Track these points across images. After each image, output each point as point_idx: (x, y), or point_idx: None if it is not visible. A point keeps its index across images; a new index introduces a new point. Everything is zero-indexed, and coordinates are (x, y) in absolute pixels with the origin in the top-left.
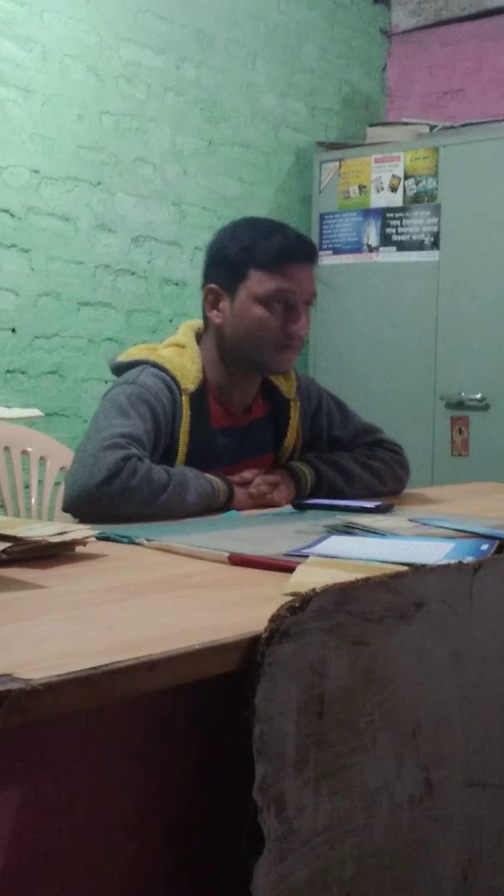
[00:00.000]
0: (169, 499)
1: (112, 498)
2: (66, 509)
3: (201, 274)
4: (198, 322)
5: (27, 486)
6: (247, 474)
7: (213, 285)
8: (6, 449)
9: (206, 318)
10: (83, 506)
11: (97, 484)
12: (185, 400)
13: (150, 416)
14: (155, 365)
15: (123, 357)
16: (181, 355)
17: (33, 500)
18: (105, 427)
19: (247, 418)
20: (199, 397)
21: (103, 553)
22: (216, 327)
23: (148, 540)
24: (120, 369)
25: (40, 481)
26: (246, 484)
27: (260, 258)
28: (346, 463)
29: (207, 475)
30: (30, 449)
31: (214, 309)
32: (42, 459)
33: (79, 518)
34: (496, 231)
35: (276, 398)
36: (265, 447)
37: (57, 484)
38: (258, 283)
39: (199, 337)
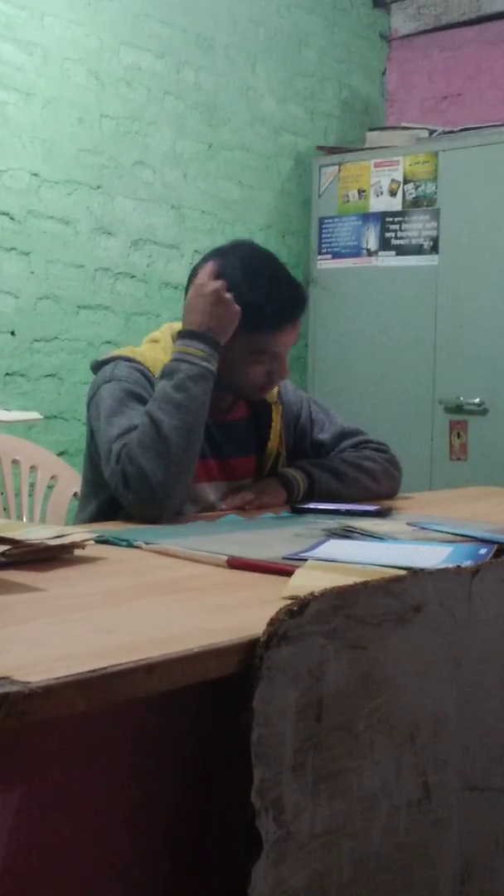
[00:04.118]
0: (175, 420)
1: (143, 491)
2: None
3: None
4: (179, 325)
5: (17, 495)
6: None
7: None
8: None
9: None
10: (149, 516)
11: (124, 497)
12: None
13: (137, 405)
14: (127, 359)
15: (103, 356)
16: (154, 349)
17: (25, 513)
18: (105, 439)
19: (227, 416)
20: None
21: (101, 556)
22: None
23: (146, 543)
24: (97, 367)
25: (32, 484)
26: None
27: (264, 323)
28: (339, 465)
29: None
30: (20, 458)
31: None
32: (33, 468)
33: (158, 518)
34: (495, 236)
35: (258, 401)
36: (248, 448)
37: (50, 487)
38: (256, 341)
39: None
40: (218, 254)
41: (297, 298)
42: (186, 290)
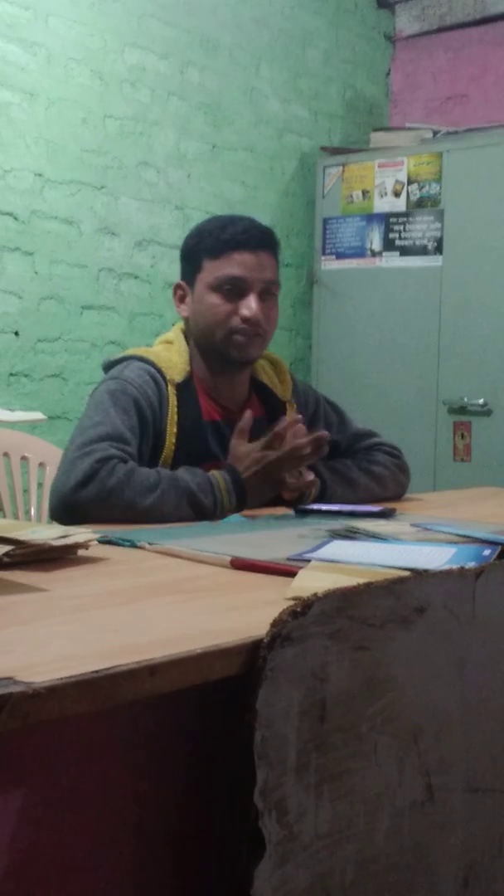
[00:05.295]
0: (159, 501)
1: (88, 501)
2: (50, 516)
3: None
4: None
5: (26, 491)
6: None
7: (180, 282)
8: (5, 455)
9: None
10: (62, 511)
11: (72, 488)
12: (171, 391)
13: (133, 410)
14: (140, 359)
15: (115, 356)
16: (168, 350)
17: (33, 509)
18: (87, 429)
19: (240, 415)
20: (186, 388)
21: (105, 556)
22: (185, 320)
23: (150, 543)
24: (109, 367)
25: (40, 484)
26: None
27: (210, 247)
28: (349, 470)
29: (213, 473)
30: (29, 454)
31: (182, 303)
32: (41, 465)
33: (62, 524)
34: (499, 236)
35: (272, 400)
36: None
37: None
38: (209, 271)
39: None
40: None
41: (252, 227)
42: (183, 267)
